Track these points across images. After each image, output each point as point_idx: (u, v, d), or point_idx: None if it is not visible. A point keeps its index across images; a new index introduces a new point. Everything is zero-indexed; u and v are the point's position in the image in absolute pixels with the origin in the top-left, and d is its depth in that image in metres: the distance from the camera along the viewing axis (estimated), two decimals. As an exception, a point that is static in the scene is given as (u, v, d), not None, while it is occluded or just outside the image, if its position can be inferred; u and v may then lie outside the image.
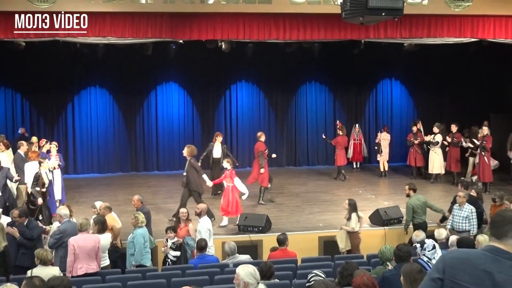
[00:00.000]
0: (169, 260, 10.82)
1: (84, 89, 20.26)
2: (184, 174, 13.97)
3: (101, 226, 9.87)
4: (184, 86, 20.96)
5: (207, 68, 20.10)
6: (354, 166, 20.81)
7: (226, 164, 13.84)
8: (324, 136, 19.69)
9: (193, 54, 18.46)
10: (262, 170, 15.47)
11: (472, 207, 11.60)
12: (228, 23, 14.30)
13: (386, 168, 19.41)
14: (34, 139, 15.93)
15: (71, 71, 19.63)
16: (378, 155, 19.43)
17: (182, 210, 11.56)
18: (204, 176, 13.98)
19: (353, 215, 11.75)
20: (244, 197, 13.89)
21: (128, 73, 19.97)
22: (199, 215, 11.20)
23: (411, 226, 12.28)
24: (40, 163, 13.04)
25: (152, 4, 13.57)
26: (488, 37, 15.37)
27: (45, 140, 15.65)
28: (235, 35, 14.49)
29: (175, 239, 10.86)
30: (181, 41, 15.22)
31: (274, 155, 16.73)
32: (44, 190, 12.74)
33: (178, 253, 10.82)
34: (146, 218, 11.12)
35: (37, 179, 12.60)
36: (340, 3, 9.83)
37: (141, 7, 13.57)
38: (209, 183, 14.08)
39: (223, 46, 16.30)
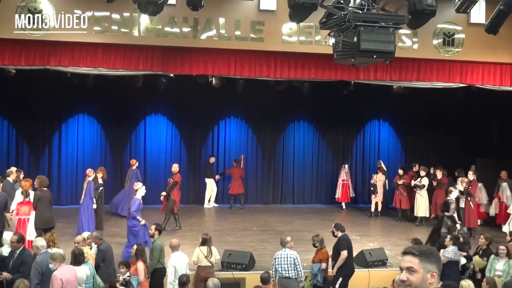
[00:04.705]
0: None
1: (72, 119, 20.18)
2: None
3: (74, 258, 9.56)
4: (172, 120, 20.95)
5: (197, 102, 20.16)
6: (343, 208, 20.85)
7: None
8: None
9: (183, 88, 18.54)
10: None
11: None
12: (220, 59, 14.36)
13: (379, 209, 19.46)
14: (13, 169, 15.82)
15: (61, 100, 19.58)
16: (373, 196, 19.47)
17: (134, 246, 11.09)
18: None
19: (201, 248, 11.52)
20: None
21: (117, 105, 19.94)
22: (171, 249, 11.00)
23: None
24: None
25: (145, 37, 13.59)
26: (477, 83, 15.53)
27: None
28: (226, 71, 14.55)
29: (127, 274, 10.44)
30: (172, 74, 15.27)
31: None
32: None
33: None
34: (101, 256, 10.81)
35: None
36: (332, 44, 9.87)
37: (134, 39, 13.58)
38: None
39: (214, 82, 16.37)
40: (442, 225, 14.54)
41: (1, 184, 14.13)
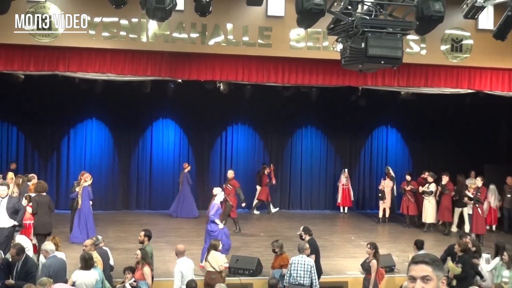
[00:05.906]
0: None
1: (81, 124, 20.26)
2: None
3: (84, 262, 9.56)
4: (180, 125, 20.99)
5: (204, 108, 20.18)
6: (342, 211, 21.02)
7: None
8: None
9: (191, 94, 18.56)
10: None
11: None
12: (228, 65, 14.35)
13: (387, 215, 19.42)
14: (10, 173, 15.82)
15: (69, 105, 19.60)
16: (381, 202, 19.46)
17: (137, 251, 10.95)
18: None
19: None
20: None
21: (126, 110, 19.99)
22: (176, 255, 10.97)
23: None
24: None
25: (153, 43, 13.61)
26: (485, 89, 15.48)
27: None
28: (234, 76, 14.54)
29: (132, 280, 10.39)
30: (179, 80, 15.29)
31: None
32: None
33: None
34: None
35: None
36: (340, 49, 9.88)
37: (142, 45, 13.60)
38: None
39: (221, 87, 16.40)
40: None
41: (14, 187, 14.14)
